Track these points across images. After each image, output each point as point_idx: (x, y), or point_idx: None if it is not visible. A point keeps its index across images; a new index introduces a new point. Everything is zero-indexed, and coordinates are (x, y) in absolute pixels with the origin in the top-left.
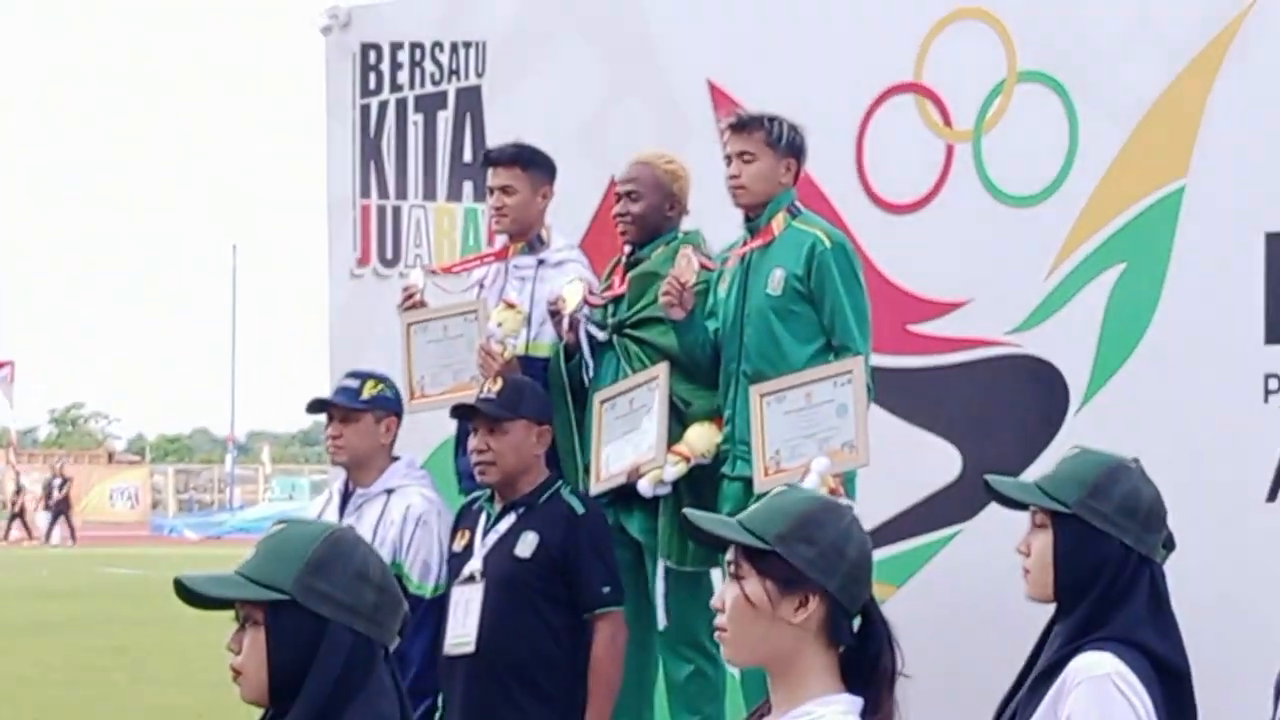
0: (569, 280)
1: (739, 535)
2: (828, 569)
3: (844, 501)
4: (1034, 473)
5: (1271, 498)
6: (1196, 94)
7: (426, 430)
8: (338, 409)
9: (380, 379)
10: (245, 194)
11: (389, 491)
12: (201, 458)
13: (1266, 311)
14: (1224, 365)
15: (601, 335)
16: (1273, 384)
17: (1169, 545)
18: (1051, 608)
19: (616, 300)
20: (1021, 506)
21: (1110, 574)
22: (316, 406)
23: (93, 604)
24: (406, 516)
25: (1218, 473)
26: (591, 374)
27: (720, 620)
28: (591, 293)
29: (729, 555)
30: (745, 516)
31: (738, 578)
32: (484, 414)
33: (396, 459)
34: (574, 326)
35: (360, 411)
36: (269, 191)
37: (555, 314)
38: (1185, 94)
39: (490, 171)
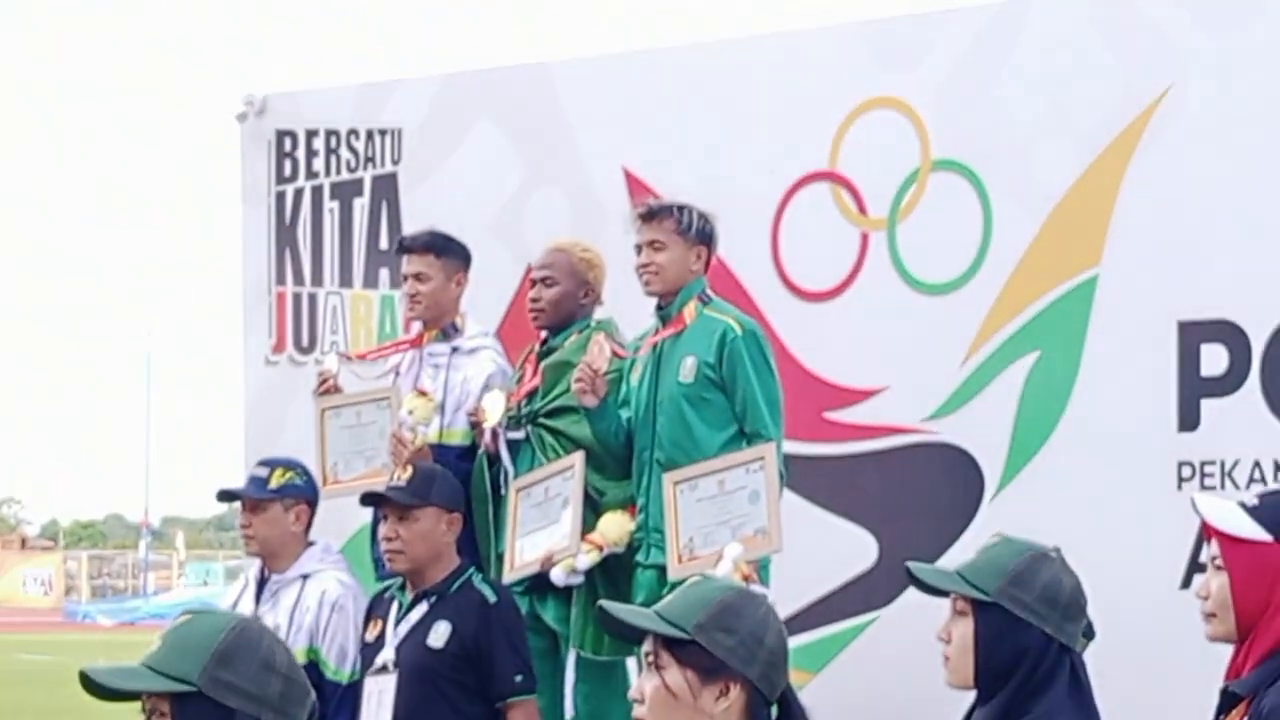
0: (490, 391)
1: (658, 626)
2: (747, 657)
3: (759, 589)
4: (950, 559)
5: (1185, 584)
6: (1109, 183)
7: (344, 516)
8: (247, 498)
9: (290, 466)
10: (160, 278)
11: (304, 577)
12: (115, 543)
13: (1179, 399)
14: (1137, 453)
15: (519, 435)
16: (1186, 471)
17: (1089, 634)
18: (968, 695)
19: (531, 393)
20: (942, 594)
21: (1031, 662)
22: (225, 496)
23: (5, 692)
24: (322, 602)
25: (1132, 560)
26: (513, 478)
27: (640, 711)
28: (509, 400)
29: (646, 646)
30: (662, 606)
31: (657, 668)
32: (393, 501)
33: (312, 544)
34: (495, 437)
35: (268, 501)
36: (184, 276)
37: (475, 425)
38: (1098, 183)
39: (404, 259)
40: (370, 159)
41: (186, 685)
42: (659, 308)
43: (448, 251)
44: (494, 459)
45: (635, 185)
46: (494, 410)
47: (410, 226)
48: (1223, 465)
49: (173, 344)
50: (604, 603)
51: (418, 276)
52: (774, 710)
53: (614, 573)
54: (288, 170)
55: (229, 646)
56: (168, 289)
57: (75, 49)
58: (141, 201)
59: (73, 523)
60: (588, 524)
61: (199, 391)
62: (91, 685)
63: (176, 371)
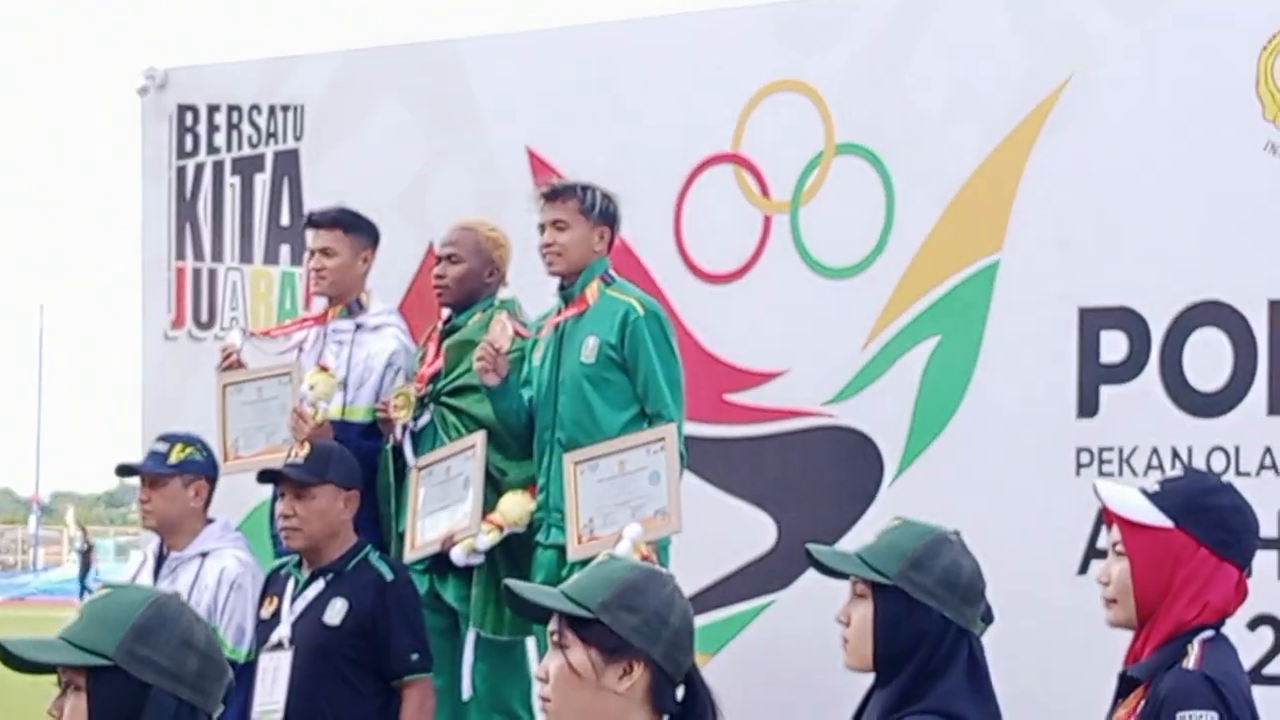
0: (397, 389)
1: (562, 604)
2: (651, 636)
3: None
4: (849, 543)
5: (1083, 570)
6: (1012, 169)
7: (243, 492)
8: (146, 473)
9: (190, 442)
10: (54, 253)
11: (203, 555)
12: (5, 518)
13: (1079, 385)
14: (1037, 438)
15: (426, 420)
16: (1084, 457)
17: (987, 618)
18: (866, 677)
19: (434, 375)
20: (842, 576)
21: (930, 645)
22: (124, 471)
23: None
24: (221, 580)
25: (1030, 545)
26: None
27: (544, 690)
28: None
29: (552, 625)
30: (568, 586)
31: (561, 647)
32: (290, 479)
33: (211, 521)
34: (402, 430)
35: (168, 476)
36: (79, 251)
37: (386, 421)
38: (1001, 169)
39: (311, 233)
40: (272, 134)
41: (102, 659)
42: (561, 288)
43: (356, 228)
44: (400, 452)
45: (539, 165)
46: (405, 410)
47: (312, 203)
48: (1121, 452)
49: (67, 318)
50: (510, 581)
51: (324, 251)
52: (680, 690)
53: (515, 552)
54: (189, 145)
55: (147, 621)
56: (62, 262)
57: (75, 49)
58: (39, 171)
59: None
60: (489, 503)
61: (92, 367)
62: (8, 657)
63: (70, 346)
